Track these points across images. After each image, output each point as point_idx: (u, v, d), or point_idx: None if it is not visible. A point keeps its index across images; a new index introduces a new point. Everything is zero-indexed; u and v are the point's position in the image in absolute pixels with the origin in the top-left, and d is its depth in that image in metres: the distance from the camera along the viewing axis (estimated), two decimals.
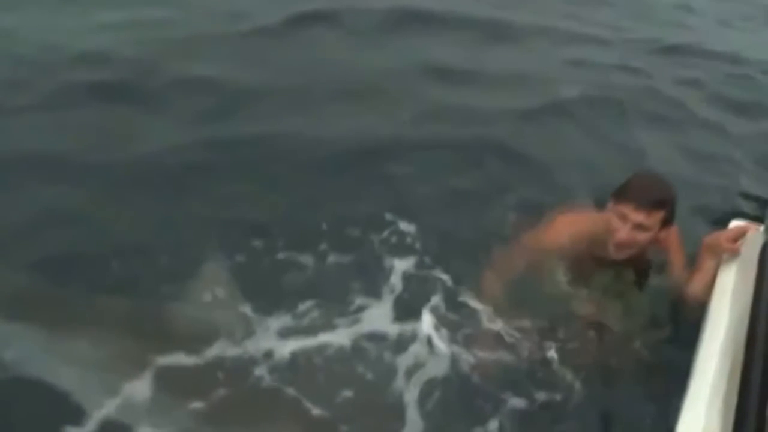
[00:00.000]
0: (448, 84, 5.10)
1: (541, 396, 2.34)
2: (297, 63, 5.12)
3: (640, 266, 2.74)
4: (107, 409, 2.12)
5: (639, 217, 2.52)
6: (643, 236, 2.57)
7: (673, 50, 6.68)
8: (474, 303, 2.65)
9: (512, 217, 3.27)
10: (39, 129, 3.84)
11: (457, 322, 2.59)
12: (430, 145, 4.09)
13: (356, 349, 2.45)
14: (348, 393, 2.24)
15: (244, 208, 3.35)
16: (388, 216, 3.20)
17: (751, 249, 2.51)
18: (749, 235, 2.62)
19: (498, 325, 2.55)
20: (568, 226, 2.79)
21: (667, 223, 2.62)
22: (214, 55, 5.05)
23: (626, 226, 2.54)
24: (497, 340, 2.51)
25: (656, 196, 2.55)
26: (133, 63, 4.74)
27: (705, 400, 1.92)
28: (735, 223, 2.83)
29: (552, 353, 2.47)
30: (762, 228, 2.57)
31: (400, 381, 2.34)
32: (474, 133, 4.31)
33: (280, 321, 2.52)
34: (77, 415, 2.10)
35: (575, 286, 2.71)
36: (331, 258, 2.95)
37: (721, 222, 2.98)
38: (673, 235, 2.76)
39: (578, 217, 2.89)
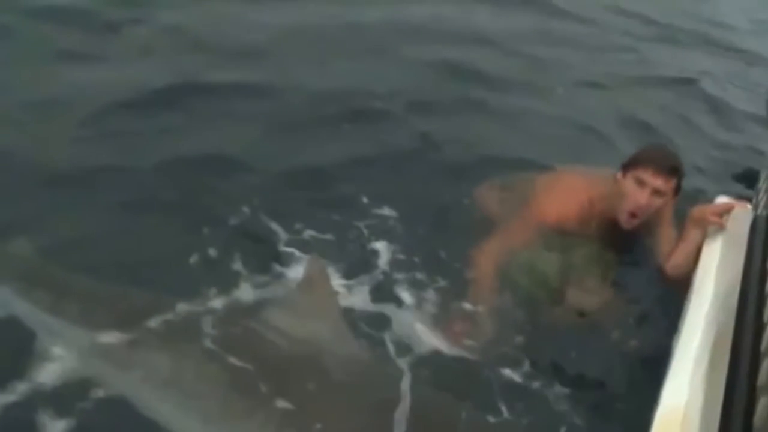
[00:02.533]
0: (434, 43, 5.02)
1: (528, 370, 2.27)
2: (276, 20, 4.95)
3: (631, 239, 2.74)
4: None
5: (657, 181, 2.54)
6: (659, 202, 2.58)
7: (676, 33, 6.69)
8: (466, 280, 2.57)
9: (500, 182, 3.16)
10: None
11: (446, 297, 2.50)
12: (412, 103, 4.03)
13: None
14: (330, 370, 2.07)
15: (224, 163, 3.24)
16: (372, 184, 3.12)
17: (737, 224, 2.50)
18: (736, 211, 2.59)
19: (493, 302, 2.48)
20: (579, 194, 2.73)
21: (677, 191, 2.63)
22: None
23: (645, 191, 2.54)
24: (487, 316, 2.44)
25: (673, 162, 2.60)
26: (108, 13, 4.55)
27: (689, 370, 1.88)
28: (721, 199, 2.82)
29: (540, 329, 2.44)
30: (750, 205, 2.57)
31: (383, 357, 2.24)
32: (458, 94, 4.25)
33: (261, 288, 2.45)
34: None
35: (566, 260, 2.67)
36: (314, 227, 2.82)
37: (708, 200, 2.93)
38: (667, 208, 2.74)
39: (587, 183, 2.81)
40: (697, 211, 2.62)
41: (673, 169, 2.57)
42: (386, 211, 2.95)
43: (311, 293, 2.18)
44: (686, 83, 5.29)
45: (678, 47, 6.34)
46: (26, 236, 2.41)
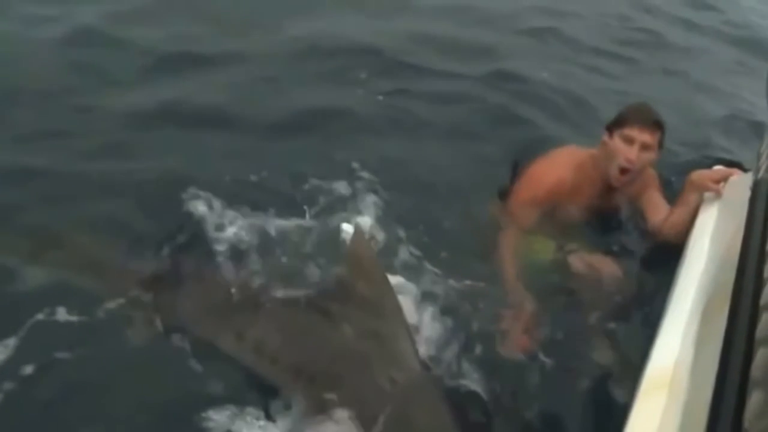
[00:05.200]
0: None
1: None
2: None
3: (621, 203, 2.80)
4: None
5: (644, 136, 2.60)
6: (647, 156, 2.64)
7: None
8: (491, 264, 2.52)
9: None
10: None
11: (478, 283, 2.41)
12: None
13: None
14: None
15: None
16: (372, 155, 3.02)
17: (734, 191, 2.49)
18: (733, 178, 2.60)
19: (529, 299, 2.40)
20: (569, 160, 2.75)
21: (661, 145, 2.68)
22: None
23: (634, 147, 2.60)
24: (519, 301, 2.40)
25: (655, 117, 2.66)
26: None
27: (681, 330, 1.84)
28: (718, 168, 2.78)
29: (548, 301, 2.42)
30: (750, 173, 2.51)
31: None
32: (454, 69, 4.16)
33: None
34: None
35: (566, 234, 2.71)
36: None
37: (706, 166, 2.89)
38: (653, 176, 2.85)
39: (574, 151, 2.85)
40: (696, 175, 2.64)
41: (657, 123, 2.65)
42: (383, 182, 2.84)
43: (358, 269, 2.05)
44: (686, 66, 5.18)
45: (680, 32, 6.23)
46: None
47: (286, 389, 1.89)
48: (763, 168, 2.34)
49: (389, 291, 2.04)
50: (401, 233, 2.56)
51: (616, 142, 2.62)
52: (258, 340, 1.99)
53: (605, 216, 2.81)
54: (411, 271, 2.38)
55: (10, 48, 3.58)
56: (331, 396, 1.82)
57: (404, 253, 2.46)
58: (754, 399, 1.23)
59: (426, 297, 2.26)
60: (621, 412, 1.67)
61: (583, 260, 2.63)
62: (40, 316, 1.96)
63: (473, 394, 1.99)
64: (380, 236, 2.54)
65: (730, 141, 3.88)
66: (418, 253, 2.48)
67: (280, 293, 2.15)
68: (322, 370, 1.90)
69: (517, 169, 3.02)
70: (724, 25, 6.46)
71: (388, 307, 2.01)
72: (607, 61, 5.01)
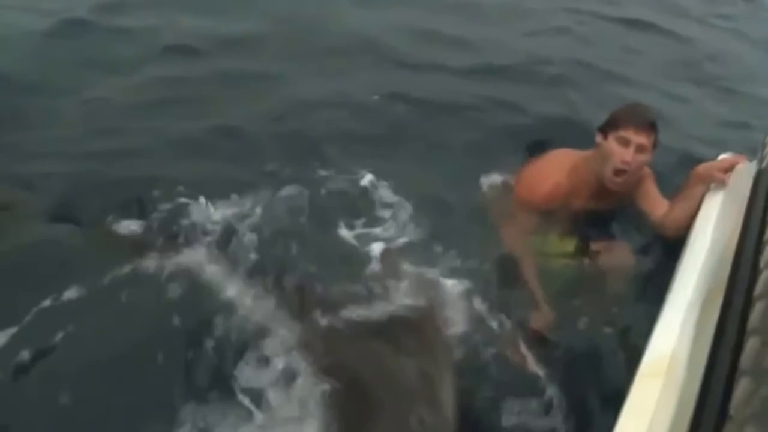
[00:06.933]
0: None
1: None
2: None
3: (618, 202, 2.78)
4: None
5: (641, 138, 2.56)
6: (642, 158, 2.61)
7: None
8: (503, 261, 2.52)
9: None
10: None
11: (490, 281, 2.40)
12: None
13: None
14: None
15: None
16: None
17: (738, 179, 2.47)
18: (739, 166, 2.57)
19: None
20: (563, 163, 2.73)
21: (655, 146, 2.64)
22: None
23: (629, 149, 2.56)
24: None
25: (651, 118, 2.63)
26: None
27: (680, 319, 1.84)
28: (723, 156, 2.76)
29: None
30: (755, 161, 2.50)
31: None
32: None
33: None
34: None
35: (567, 229, 2.70)
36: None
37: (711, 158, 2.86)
38: (648, 172, 2.80)
39: (567, 154, 2.83)
40: (703, 167, 2.62)
41: (652, 124, 2.60)
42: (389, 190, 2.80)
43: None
44: (697, 66, 5.11)
45: (690, 31, 6.13)
46: None
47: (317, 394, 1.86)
48: (767, 158, 2.33)
49: (445, 345, 2.06)
50: (400, 226, 2.57)
51: (611, 144, 2.57)
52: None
53: (603, 215, 2.80)
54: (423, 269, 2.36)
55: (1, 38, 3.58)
56: (355, 413, 1.82)
57: (404, 246, 2.48)
58: (741, 387, 1.25)
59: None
60: (618, 401, 1.68)
61: (593, 251, 2.64)
62: (28, 302, 1.96)
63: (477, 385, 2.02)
64: (386, 232, 2.55)
65: (737, 142, 3.82)
66: (416, 245, 2.49)
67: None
68: (360, 389, 1.88)
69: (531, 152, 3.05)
70: (742, 27, 6.34)
71: (440, 352, 2.03)
72: (614, 59, 4.94)
